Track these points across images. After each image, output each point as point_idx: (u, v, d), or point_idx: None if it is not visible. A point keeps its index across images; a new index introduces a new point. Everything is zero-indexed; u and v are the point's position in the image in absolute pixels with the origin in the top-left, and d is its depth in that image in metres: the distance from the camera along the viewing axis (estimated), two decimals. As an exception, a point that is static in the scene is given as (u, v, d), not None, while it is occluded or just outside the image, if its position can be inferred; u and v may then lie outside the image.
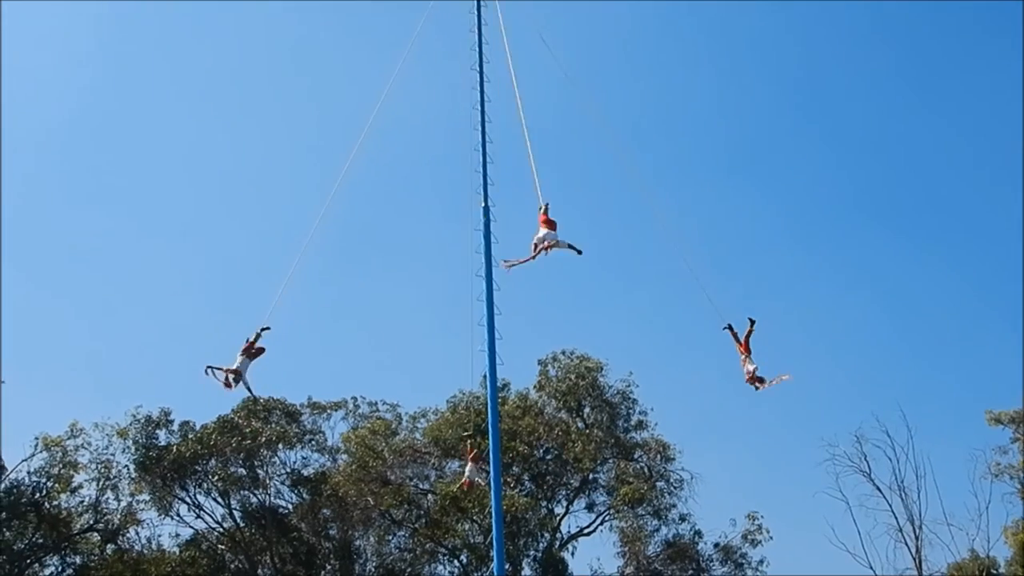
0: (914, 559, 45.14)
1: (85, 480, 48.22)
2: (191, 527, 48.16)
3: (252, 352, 23.67)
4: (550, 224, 23.45)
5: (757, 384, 23.85)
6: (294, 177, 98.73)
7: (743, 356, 24.16)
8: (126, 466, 47.87)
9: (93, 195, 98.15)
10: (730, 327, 24.43)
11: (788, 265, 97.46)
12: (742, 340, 24.19)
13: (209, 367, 23.10)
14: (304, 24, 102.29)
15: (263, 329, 23.78)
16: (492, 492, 24.66)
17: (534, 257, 23.40)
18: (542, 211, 23.69)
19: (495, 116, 27.00)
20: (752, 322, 24.25)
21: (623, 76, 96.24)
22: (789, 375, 23.80)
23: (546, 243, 23.19)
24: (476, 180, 26.20)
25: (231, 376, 23.25)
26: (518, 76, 26.61)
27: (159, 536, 48.29)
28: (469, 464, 30.40)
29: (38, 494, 47.09)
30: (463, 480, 31.06)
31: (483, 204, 25.86)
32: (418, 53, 29.04)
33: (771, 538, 46.46)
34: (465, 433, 34.98)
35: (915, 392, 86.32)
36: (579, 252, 23.37)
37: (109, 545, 47.99)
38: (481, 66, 27.38)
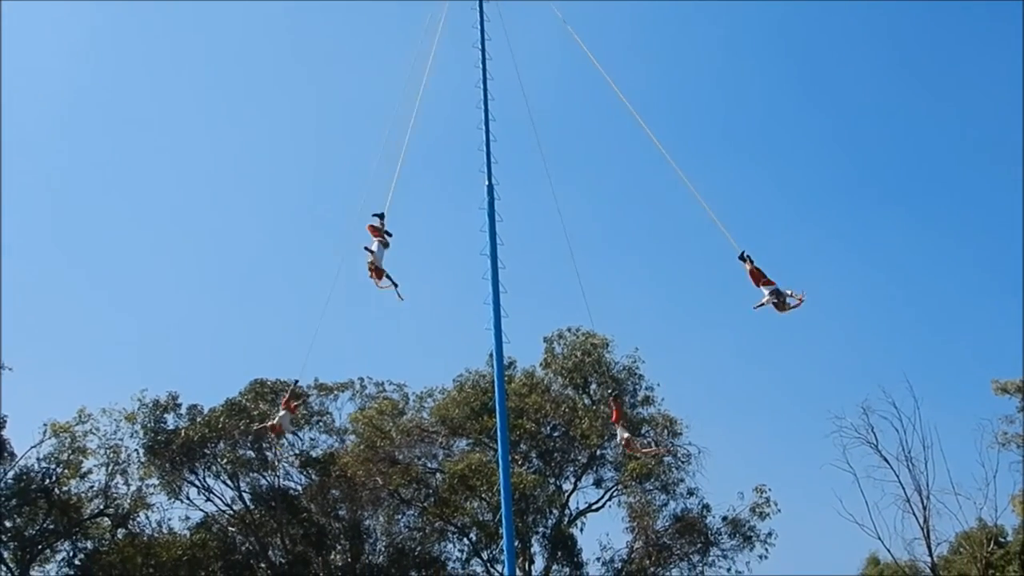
0: (922, 529, 45.28)
1: (94, 465, 48.58)
2: (201, 510, 48.49)
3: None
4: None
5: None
6: (297, 165, 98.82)
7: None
8: (135, 450, 48.19)
9: (97, 181, 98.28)
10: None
11: (794, 239, 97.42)
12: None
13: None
14: (302, 12, 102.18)
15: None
16: (500, 470, 24.71)
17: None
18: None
19: (499, 95, 26.93)
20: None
21: (627, 53, 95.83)
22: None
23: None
24: (480, 159, 26.15)
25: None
26: (521, 55, 26.54)
27: (169, 519, 48.67)
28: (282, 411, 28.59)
29: (48, 480, 47.33)
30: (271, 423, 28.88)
31: (487, 183, 25.81)
32: (422, 35, 28.92)
33: (779, 511, 46.48)
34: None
35: (921, 363, 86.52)
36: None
37: (120, 529, 48.25)
38: (483, 44, 27.31)
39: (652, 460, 43.57)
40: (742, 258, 23.33)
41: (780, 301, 22.75)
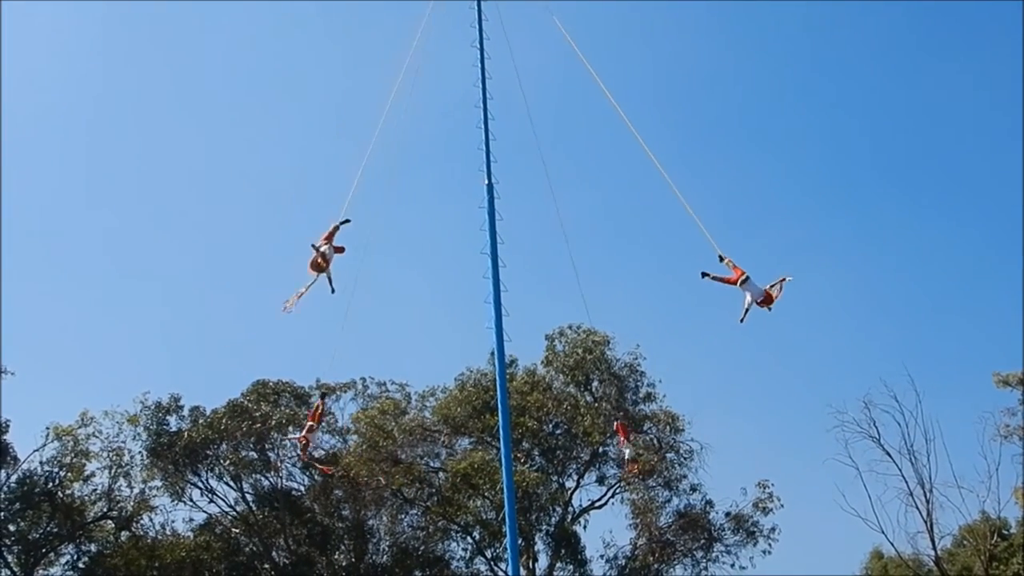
0: (925, 522, 45.32)
1: (97, 468, 48.56)
2: (204, 511, 48.42)
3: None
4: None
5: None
6: (296, 167, 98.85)
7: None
8: (138, 453, 48.13)
9: (98, 187, 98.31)
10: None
11: (795, 231, 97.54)
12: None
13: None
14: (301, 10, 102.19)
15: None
16: (503, 468, 24.74)
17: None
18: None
19: (497, 95, 26.92)
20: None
21: (632, 41, 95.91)
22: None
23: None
24: (480, 158, 26.15)
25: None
26: (520, 53, 26.53)
27: (173, 521, 48.53)
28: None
29: (51, 483, 47.33)
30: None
31: (487, 182, 25.82)
32: (419, 35, 28.90)
33: (782, 506, 46.55)
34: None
35: (923, 356, 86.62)
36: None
37: (123, 532, 48.23)
38: (481, 43, 27.30)
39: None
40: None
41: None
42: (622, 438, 26.92)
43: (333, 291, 22.53)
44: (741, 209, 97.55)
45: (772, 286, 22.21)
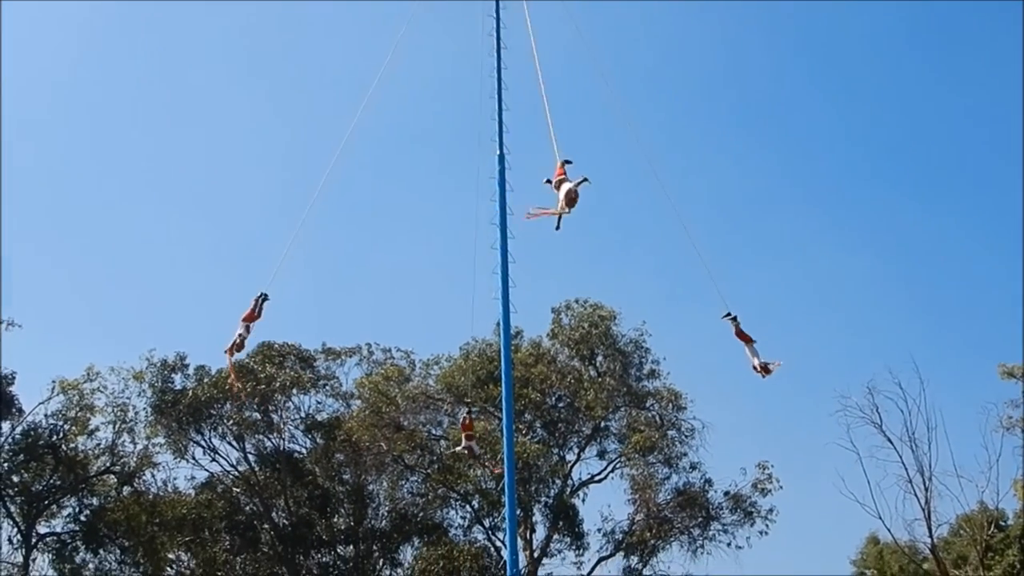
0: (923, 510, 45.33)
1: (101, 423, 48.79)
2: (206, 470, 48.75)
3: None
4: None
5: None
6: (307, 127, 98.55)
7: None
8: (142, 409, 48.35)
9: (105, 143, 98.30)
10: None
11: (802, 219, 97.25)
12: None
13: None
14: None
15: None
16: (504, 439, 24.78)
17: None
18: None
19: (511, 67, 26.75)
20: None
21: (634, 33, 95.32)
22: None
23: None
24: (492, 128, 26.03)
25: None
26: (534, 27, 26.30)
27: (175, 479, 48.87)
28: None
29: (55, 437, 47.59)
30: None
31: (498, 152, 25.70)
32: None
33: (781, 487, 46.66)
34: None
35: (929, 345, 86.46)
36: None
37: (125, 487, 48.54)
38: (498, 11, 27.08)
39: None
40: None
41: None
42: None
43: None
44: (748, 193, 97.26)
45: (770, 364, 24.70)
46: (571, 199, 21.63)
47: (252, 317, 24.14)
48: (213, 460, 48.52)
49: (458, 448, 33.99)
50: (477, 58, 27.03)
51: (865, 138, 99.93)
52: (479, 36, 27.16)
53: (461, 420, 33.59)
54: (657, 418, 47.44)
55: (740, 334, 24.94)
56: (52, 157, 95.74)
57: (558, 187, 22.02)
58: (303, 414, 49.34)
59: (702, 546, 46.49)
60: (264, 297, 24.15)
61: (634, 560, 46.68)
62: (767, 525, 46.52)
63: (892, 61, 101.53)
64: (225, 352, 24.43)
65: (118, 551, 47.23)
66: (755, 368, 24.75)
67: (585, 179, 21.85)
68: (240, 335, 24.09)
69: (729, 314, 24.95)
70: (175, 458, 48.34)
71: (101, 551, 47.23)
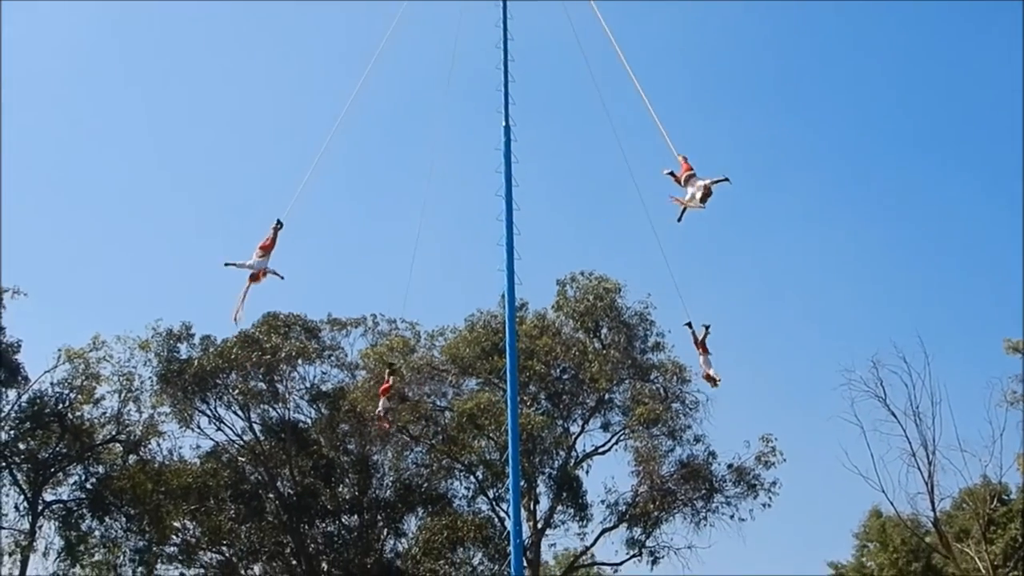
0: (926, 484, 45.48)
1: (107, 392, 49.00)
2: (212, 439, 48.89)
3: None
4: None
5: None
6: (309, 101, 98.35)
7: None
8: (148, 378, 48.51)
9: (113, 109, 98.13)
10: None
11: (807, 193, 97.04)
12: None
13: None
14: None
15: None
16: (508, 410, 24.89)
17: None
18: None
19: (516, 35, 26.65)
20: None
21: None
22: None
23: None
24: (497, 100, 25.96)
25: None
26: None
27: (180, 448, 49.06)
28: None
29: (61, 405, 47.79)
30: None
31: (504, 124, 25.65)
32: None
33: (784, 460, 46.66)
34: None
35: (934, 319, 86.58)
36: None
37: (131, 456, 48.75)
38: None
39: None
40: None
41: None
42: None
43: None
44: (756, 162, 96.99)
45: (716, 377, 25.71)
46: (706, 195, 21.12)
47: (269, 246, 23.27)
48: (218, 429, 48.79)
49: (379, 410, 33.05)
50: (488, 27, 26.97)
51: (869, 109, 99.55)
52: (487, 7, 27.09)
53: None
54: (661, 390, 47.43)
55: (700, 344, 25.76)
56: (58, 126, 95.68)
57: (687, 182, 21.36)
58: (308, 384, 49.48)
59: (705, 518, 46.62)
60: (280, 225, 23.31)
61: (637, 531, 46.84)
62: (770, 498, 46.62)
63: (905, 23, 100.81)
64: (248, 281, 23.07)
65: (124, 519, 47.50)
66: (705, 377, 26.01)
67: (726, 179, 21.24)
68: (258, 263, 23.03)
69: (689, 324, 25.88)
70: (180, 427, 48.55)
71: (107, 519, 47.57)
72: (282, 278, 23.15)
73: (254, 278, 23.00)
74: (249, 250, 22.74)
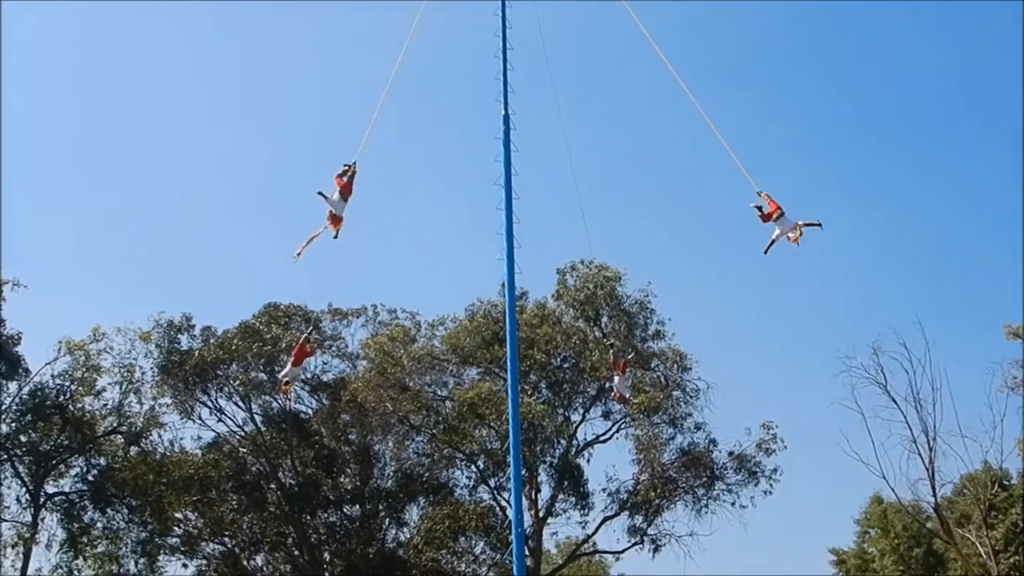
0: (927, 470, 45.47)
1: (108, 383, 49.02)
2: (213, 430, 48.79)
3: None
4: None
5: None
6: (310, 96, 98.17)
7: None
8: (149, 370, 48.50)
9: (112, 101, 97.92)
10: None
11: (809, 178, 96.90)
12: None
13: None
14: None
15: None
16: (509, 399, 24.78)
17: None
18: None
19: (516, 25, 26.51)
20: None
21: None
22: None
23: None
24: (497, 88, 25.85)
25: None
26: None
27: (181, 439, 49.00)
28: None
29: (62, 397, 47.81)
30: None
31: (503, 112, 25.55)
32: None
33: (785, 447, 46.74)
34: None
35: (934, 305, 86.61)
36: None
37: (132, 447, 48.76)
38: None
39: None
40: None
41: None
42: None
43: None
44: (757, 150, 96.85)
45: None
46: (798, 236, 21.88)
47: (348, 192, 22.44)
48: (220, 420, 48.67)
49: (282, 374, 31.04)
50: (487, 16, 26.83)
51: (873, 93, 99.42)
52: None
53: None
54: (662, 379, 47.46)
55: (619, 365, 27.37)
56: (59, 115, 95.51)
57: (775, 219, 21.95)
58: (309, 375, 49.43)
59: (706, 506, 46.73)
60: (354, 171, 22.62)
61: (639, 519, 46.93)
62: (771, 485, 46.72)
63: (908, 14, 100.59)
64: (327, 222, 22.23)
65: (126, 510, 47.54)
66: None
67: (819, 224, 21.84)
68: (341, 204, 22.31)
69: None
70: (182, 418, 48.51)
71: (109, 510, 47.62)
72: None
73: (335, 221, 22.35)
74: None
